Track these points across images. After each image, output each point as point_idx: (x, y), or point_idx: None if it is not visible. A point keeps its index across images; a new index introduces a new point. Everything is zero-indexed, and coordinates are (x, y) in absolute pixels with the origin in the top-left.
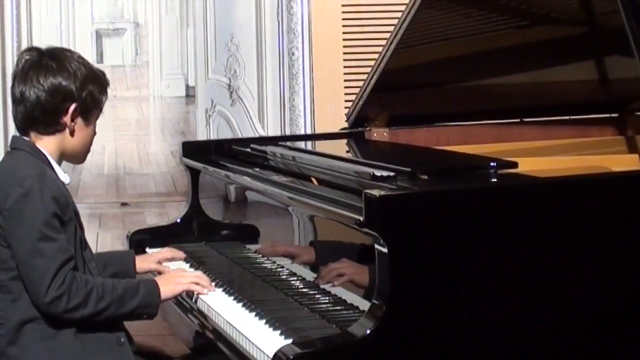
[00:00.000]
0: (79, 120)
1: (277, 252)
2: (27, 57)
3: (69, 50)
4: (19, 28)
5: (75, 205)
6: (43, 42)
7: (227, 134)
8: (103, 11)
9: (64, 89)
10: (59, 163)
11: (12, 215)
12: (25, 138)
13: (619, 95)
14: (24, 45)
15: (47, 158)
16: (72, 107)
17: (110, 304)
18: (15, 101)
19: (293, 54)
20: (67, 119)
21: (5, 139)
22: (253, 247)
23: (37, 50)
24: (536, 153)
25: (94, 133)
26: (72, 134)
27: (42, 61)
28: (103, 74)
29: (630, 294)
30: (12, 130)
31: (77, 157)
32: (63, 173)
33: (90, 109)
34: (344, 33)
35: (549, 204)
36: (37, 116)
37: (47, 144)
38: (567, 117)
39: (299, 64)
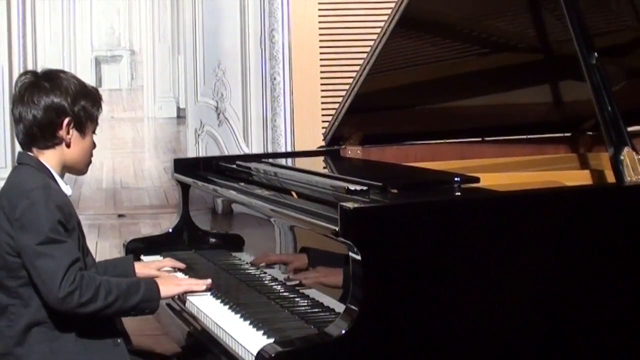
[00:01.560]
0: (75, 133)
1: (271, 261)
2: (24, 79)
3: (63, 71)
4: (25, 55)
5: (78, 216)
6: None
7: (214, 152)
8: (102, 40)
9: (57, 105)
10: (62, 176)
11: (21, 224)
12: (30, 154)
13: (571, 116)
14: None
15: (50, 172)
16: (66, 121)
17: (118, 298)
18: (15, 121)
19: (275, 78)
20: (62, 132)
21: (13, 156)
22: (238, 254)
23: (33, 73)
24: (496, 169)
25: (92, 145)
26: (68, 145)
27: (37, 82)
28: (95, 90)
29: (581, 298)
30: (19, 147)
31: (78, 167)
32: (65, 185)
33: (84, 122)
34: (321, 60)
35: (508, 216)
36: (36, 133)
37: (48, 158)
38: (524, 136)
39: (280, 88)
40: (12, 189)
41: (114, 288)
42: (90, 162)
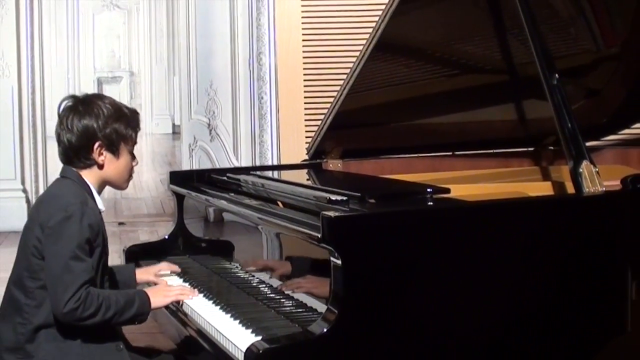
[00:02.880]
0: (107, 154)
1: (260, 266)
2: (65, 103)
3: (101, 96)
4: (33, 76)
5: (106, 233)
6: (54, 88)
7: (207, 165)
8: (103, 62)
9: (88, 129)
10: (100, 192)
11: (53, 233)
12: (73, 169)
13: (534, 132)
14: (38, 91)
15: (89, 187)
16: (96, 144)
17: (115, 314)
18: (57, 142)
19: (262, 98)
20: (94, 155)
21: (22, 169)
22: (229, 259)
23: (74, 97)
24: (465, 181)
25: (130, 163)
26: (101, 167)
27: (74, 107)
28: (132, 111)
29: (543, 298)
30: (27, 161)
31: (117, 184)
32: (101, 202)
33: (116, 144)
34: (304, 80)
35: (476, 224)
36: (71, 155)
37: (87, 176)
38: (491, 151)
39: (267, 107)
40: (53, 199)
41: (112, 304)
42: (129, 178)
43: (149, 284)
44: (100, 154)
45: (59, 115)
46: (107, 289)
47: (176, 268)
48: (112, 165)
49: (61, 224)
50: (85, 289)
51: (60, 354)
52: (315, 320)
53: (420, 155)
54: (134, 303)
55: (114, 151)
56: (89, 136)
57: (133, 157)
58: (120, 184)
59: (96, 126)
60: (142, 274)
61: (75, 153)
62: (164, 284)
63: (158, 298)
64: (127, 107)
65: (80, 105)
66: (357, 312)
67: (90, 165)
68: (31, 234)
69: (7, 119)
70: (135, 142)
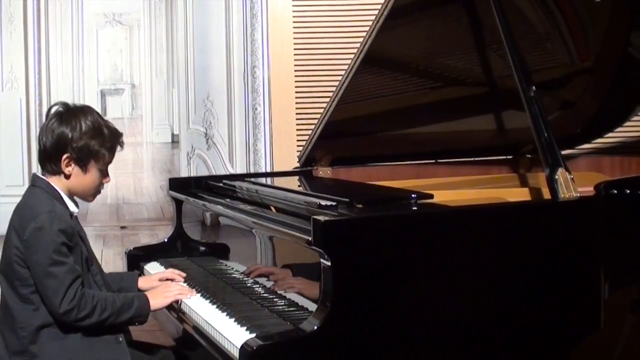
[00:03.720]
0: (75, 167)
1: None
2: (54, 108)
3: (87, 110)
4: (40, 88)
5: (83, 230)
6: (60, 99)
7: (204, 172)
8: (106, 75)
9: (61, 138)
10: (71, 196)
11: (29, 245)
12: (42, 177)
13: (513, 141)
14: (45, 102)
15: (58, 193)
16: (65, 155)
17: (111, 315)
18: (38, 141)
19: (256, 109)
20: (62, 165)
21: (29, 176)
22: (225, 261)
23: (64, 104)
24: (448, 187)
25: (98, 179)
26: (67, 177)
27: (60, 113)
28: (112, 132)
29: (520, 297)
30: (34, 169)
31: (82, 196)
32: (72, 204)
33: (85, 160)
34: (296, 92)
35: (457, 227)
36: (44, 159)
37: (56, 182)
38: (472, 159)
39: (261, 117)
40: (23, 209)
41: (109, 306)
42: (96, 193)
43: None
44: (68, 165)
45: (45, 117)
46: (104, 292)
47: (180, 277)
48: (78, 178)
49: (34, 235)
50: (79, 290)
51: (63, 350)
52: (306, 318)
53: (404, 163)
54: (132, 305)
55: (82, 166)
56: (60, 145)
57: (105, 175)
58: (86, 197)
59: (70, 137)
60: (145, 282)
61: (47, 158)
62: (164, 285)
63: (158, 300)
64: (108, 127)
65: (65, 114)
66: (345, 310)
67: (57, 173)
68: (10, 243)
69: (16, 128)
70: (108, 162)
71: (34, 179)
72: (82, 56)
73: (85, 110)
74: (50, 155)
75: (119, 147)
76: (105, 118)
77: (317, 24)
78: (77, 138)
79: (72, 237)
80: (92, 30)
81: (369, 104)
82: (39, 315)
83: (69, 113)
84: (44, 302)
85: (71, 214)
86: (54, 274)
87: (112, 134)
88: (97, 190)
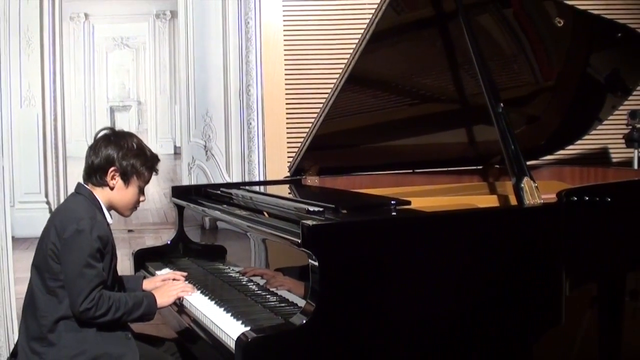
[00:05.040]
0: (119, 181)
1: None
2: (102, 131)
3: (132, 135)
4: (55, 105)
5: (114, 241)
6: (72, 115)
7: (203, 181)
8: (115, 93)
9: (110, 156)
10: (109, 209)
11: (67, 244)
12: (86, 186)
13: (483, 152)
14: (59, 118)
15: (99, 203)
16: (112, 169)
17: (124, 314)
18: (85, 161)
19: (250, 123)
20: (108, 177)
21: (46, 185)
22: (222, 261)
23: (111, 129)
24: (424, 194)
25: (137, 195)
26: (112, 189)
27: (107, 136)
28: (153, 156)
29: (490, 295)
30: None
31: (120, 210)
32: (109, 216)
33: (129, 175)
34: (286, 109)
35: (433, 231)
36: (90, 173)
37: (99, 194)
38: (446, 169)
39: (255, 131)
40: (67, 211)
41: (122, 306)
42: (133, 208)
43: None
44: (113, 177)
45: (94, 139)
46: (118, 292)
47: (180, 276)
48: (120, 191)
49: (74, 236)
50: (97, 291)
51: (78, 342)
52: (295, 313)
53: (385, 172)
54: (141, 304)
55: (125, 180)
56: (108, 161)
57: (142, 193)
58: (123, 211)
59: (117, 156)
60: (149, 283)
61: (94, 172)
62: (168, 284)
63: (164, 298)
64: (150, 151)
65: (112, 137)
66: (331, 306)
67: (103, 185)
68: (48, 239)
69: (33, 141)
70: (147, 181)
71: (78, 187)
72: (93, 76)
73: (130, 135)
74: (98, 169)
75: (154, 172)
76: None
77: (305, 47)
78: (123, 156)
79: (106, 245)
80: (102, 52)
81: (352, 119)
82: (61, 307)
83: (116, 136)
84: (68, 297)
85: (108, 223)
86: (85, 275)
87: (153, 156)
88: (134, 205)
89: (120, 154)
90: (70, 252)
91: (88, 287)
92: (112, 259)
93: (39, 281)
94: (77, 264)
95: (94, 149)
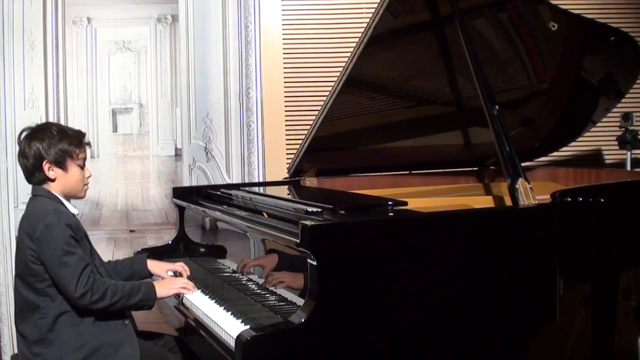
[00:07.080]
0: (57, 170)
1: (250, 266)
2: (23, 133)
3: (49, 124)
4: (58, 108)
5: (84, 228)
6: (76, 117)
7: (204, 182)
8: (117, 96)
9: (37, 152)
10: (68, 199)
11: (41, 242)
12: (40, 186)
13: (478, 154)
14: (62, 120)
15: (58, 198)
16: (45, 162)
17: (121, 297)
18: (20, 166)
19: (250, 126)
20: (46, 172)
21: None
22: (222, 261)
23: (27, 128)
24: (421, 195)
25: (81, 174)
26: (54, 180)
27: (27, 136)
28: (76, 132)
29: (486, 292)
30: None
31: (74, 194)
32: (72, 207)
33: (62, 161)
34: (285, 111)
35: (429, 231)
36: (31, 175)
37: (51, 189)
38: (442, 170)
39: (254, 133)
40: (31, 215)
41: (119, 290)
42: (84, 187)
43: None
44: (50, 169)
45: (18, 143)
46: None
47: (187, 272)
48: (63, 178)
49: (44, 232)
50: (90, 277)
51: (77, 335)
52: (294, 312)
53: (382, 173)
54: (139, 290)
55: (62, 166)
56: (38, 157)
57: (84, 169)
58: (77, 193)
59: (42, 148)
60: (155, 267)
61: (32, 173)
62: (172, 278)
63: (164, 289)
64: (71, 130)
65: (31, 133)
66: (329, 304)
67: (47, 181)
68: (23, 246)
69: None
70: (84, 157)
71: (33, 190)
72: (95, 79)
73: (47, 124)
74: (34, 169)
75: (87, 147)
76: (113, 133)
77: (304, 50)
78: (48, 146)
79: (77, 231)
80: (105, 56)
81: (350, 122)
82: (56, 304)
83: (35, 131)
84: (60, 291)
85: (73, 214)
86: (67, 263)
87: (75, 133)
88: (84, 184)
89: (44, 145)
90: (47, 247)
91: (76, 273)
92: (88, 244)
93: (27, 288)
94: (56, 256)
95: (21, 153)
